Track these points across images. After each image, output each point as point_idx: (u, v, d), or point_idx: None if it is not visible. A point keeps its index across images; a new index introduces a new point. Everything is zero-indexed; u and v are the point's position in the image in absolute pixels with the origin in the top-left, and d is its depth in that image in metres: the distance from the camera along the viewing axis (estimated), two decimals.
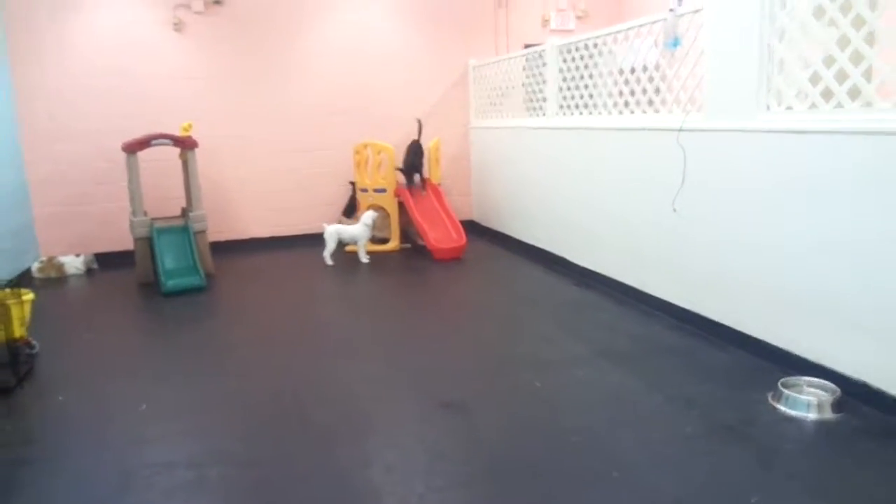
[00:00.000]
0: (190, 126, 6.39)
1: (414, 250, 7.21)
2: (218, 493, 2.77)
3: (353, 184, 7.71)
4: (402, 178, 7.42)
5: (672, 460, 2.90)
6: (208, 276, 6.22)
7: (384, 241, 7.50)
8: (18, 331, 4.15)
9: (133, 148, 6.06)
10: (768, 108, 3.83)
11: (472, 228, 8.04)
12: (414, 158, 7.43)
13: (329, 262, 6.69)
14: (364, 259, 6.73)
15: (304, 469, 2.91)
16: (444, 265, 6.64)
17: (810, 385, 3.42)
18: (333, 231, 6.75)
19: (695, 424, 3.19)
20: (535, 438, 3.15)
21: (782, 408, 3.29)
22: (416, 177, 7.47)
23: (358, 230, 6.75)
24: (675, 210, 4.56)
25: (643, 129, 4.90)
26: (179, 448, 3.13)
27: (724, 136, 4.11)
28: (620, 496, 2.65)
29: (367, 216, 6.75)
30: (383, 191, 7.28)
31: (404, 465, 2.92)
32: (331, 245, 6.71)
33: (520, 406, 3.51)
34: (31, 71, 6.66)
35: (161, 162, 6.90)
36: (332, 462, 2.95)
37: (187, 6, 7.09)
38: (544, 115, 6.50)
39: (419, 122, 7.60)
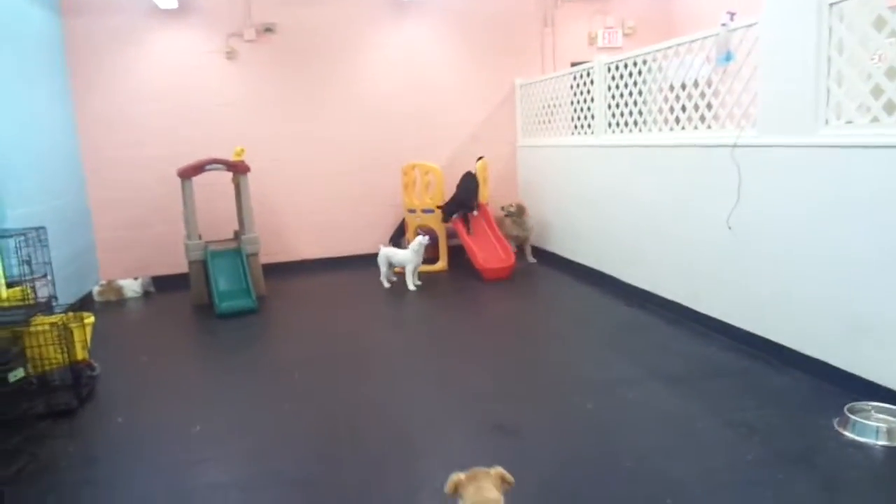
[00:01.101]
0: (242, 151, 6.55)
1: (460, 270, 7.21)
2: None
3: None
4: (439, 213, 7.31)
5: (731, 489, 2.82)
6: (260, 297, 6.34)
7: (433, 260, 7.54)
8: (80, 353, 4.29)
9: (188, 173, 6.24)
10: (827, 122, 3.74)
11: (522, 248, 8.00)
12: (467, 194, 7.32)
13: (386, 284, 6.72)
14: (411, 287, 6.58)
15: (357, 492, 2.92)
16: (493, 285, 6.62)
17: (879, 410, 3.29)
18: (384, 255, 6.77)
19: (756, 451, 3.10)
20: (587, 463, 3.11)
21: (849, 434, 3.17)
22: (465, 213, 7.33)
23: (407, 255, 6.69)
24: (730, 228, 4.47)
25: (696, 145, 4.82)
26: (232, 470, 3.19)
27: (780, 151, 4.02)
28: None
29: (417, 242, 6.66)
30: (431, 211, 7.32)
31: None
32: (383, 269, 6.74)
33: (571, 429, 3.46)
34: (91, 98, 6.95)
35: (215, 186, 7.08)
36: (384, 485, 2.95)
37: (240, 35, 7.31)
38: (593, 133, 6.46)
39: (481, 159, 7.56)
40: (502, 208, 7.61)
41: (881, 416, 3.25)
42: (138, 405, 4.05)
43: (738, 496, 2.75)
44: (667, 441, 3.26)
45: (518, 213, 7.53)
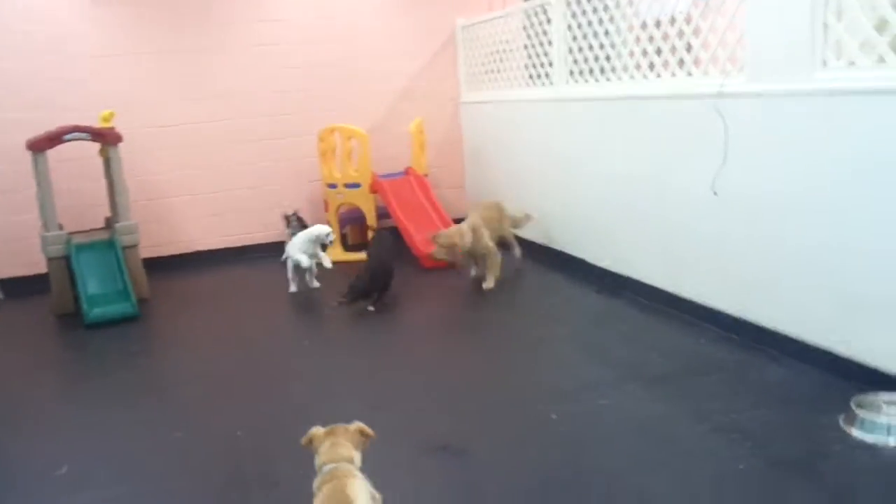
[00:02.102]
0: (111, 115, 6.37)
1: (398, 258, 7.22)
2: None
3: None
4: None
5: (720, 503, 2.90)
6: (142, 301, 6.22)
7: (362, 247, 7.50)
8: None
9: (41, 145, 6.04)
10: (825, 63, 3.84)
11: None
12: (379, 273, 5.90)
13: (293, 288, 6.38)
14: (298, 286, 6.32)
15: None
16: (433, 274, 6.64)
17: (890, 403, 3.42)
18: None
19: (749, 459, 3.19)
20: (549, 486, 3.15)
21: (857, 433, 3.29)
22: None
23: (295, 248, 6.25)
24: (715, 194, 4.57)
25: (673, 96, 4.91)
26: None
27: (772, 100, 4.13)
28: None
29: (312, 233, 6.26)
30: (357, 186, 7.29)
31: None
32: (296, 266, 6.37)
33: (530, 445, 3.51)
34: None
35: (78, 162, 6.89)
36: None
37: None
38: (551, 83, 6.51)
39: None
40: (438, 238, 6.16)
41: (892, 409, 3.37)
42: None
43: None
44: (645, 454, 3.33)
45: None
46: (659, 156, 5.11)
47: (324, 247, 6.29)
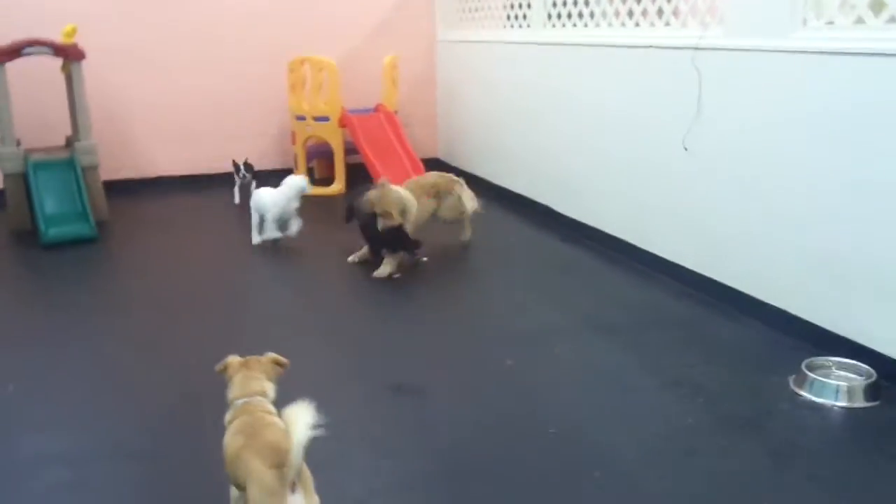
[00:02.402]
0: (74, 30, 6.16)
1: None
2: (106, 495, 2.73)
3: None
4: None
5: (668, 458, 2.93)
6: (100, 223, 6.09)
7: (328, 181, 7.42)
8: None
9: None
10: (805, 22, 3.80)
11: (437, 169, 7.94)
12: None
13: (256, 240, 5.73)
14: (255, 239, 5.70)
15: (211, 464, 2.87)
16: None
17: (840, 367, 3.47)
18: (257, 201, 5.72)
19: (698, 414, 3.22)
20: (503, 430, 3.16)
21: (806, 394, 3.34)
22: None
23: (267, 201, 5.62)
24: (686, 149, 4.55)
25: (650, 46, 4.84)
26: (56, 439, 3.09)
27: (749, 56, 4.08)
28: (602, 500, 2.67)
29: (291, 185, 5.64)
30: (326, 119, 7.16)
31: (340, 462, 2.90)
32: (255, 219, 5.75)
33: (486, 389, 3.51)
34: None
35: (38, 77, 6.66)
36: None
37: None
38: (529, 26, 6.40)
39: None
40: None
41: (842, 373, 3.43)
42: None
43: (675, 466, 2.87)
44: (598, 403, 3.36)
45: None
46: (632, 107, 5.06)
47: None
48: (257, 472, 2.08)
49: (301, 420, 2.04)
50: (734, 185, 4.25)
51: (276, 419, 2.35)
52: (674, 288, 4.65)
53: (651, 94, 4.87)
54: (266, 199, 5.58)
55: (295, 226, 5.63)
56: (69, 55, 6.10)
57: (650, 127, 4.89)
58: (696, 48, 4.37)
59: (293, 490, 2.06)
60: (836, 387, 3.30)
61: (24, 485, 2.79)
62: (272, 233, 5.62)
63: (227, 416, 2.44)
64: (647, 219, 5.02)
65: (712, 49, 4.31)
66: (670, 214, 4.79)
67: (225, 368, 2.58)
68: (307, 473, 2.18)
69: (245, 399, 2.44)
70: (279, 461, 2.06)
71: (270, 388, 2.54)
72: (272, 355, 2.65)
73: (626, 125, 5.14)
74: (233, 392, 2.50)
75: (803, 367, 3.43)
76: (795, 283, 3.90)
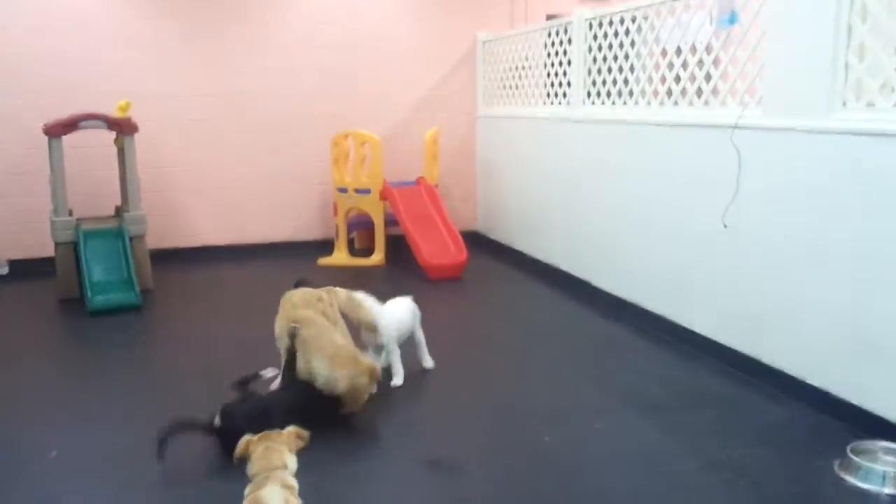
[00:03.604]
0: (128, 105, 6.40)
1: (404, 267, 7.19)
2: None
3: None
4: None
5: None
6: (145, 291, 6.22)
7: (368, 252, 7.51)
8: None
9: (57, 131, 6.07)
10: (845, 104, 3.83)
11: (476, 242, 8.04)
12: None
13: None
14: (398, 380, 4.42)
15: None
16: (440, 286, 6.63)
17: (887, 452, 3.38)
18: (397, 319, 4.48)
19: (742, 497, 3.16)
20: None
21: (852, 479, 3.25)
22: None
23: (392, 323, 4.42)
24: (725, 226, 4.55)
25: (689, 124, 4.89)
26: None
27: (788, 136, 4.10)
28: None
29: (407, 303, 4.61)
30: (367, 192, 7.28)
31: None
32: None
33: (522, 466, 3.48)
34: None
35: (92, 149, 6.91)
36: None
37: None
38: (568, 103, 6.50)
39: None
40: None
41: (889, 458, 3.34)
42: None
43: None
44: (637, 483, 3.31)
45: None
46: (671, 184, 5.09)
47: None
48: None
49: None
50: (774, 262, 4.23)
51: (279, 490, 2.38)
52: (715, 367, 4.60)
53: (691, 171, 4.90)
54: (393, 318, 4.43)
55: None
56: (123, 129, 6.32)
57: (690, 204, 4.91)
58: (736, 127, 4.41)
59: None
60: (882, 472, 3.22)
61: None
62: (424, 360, 4.67)
63: (247, 490, 2.46)
64: (689, 296, 4.99)
65: (751, 128, 4.34)
66: (711, 292, 4.76)
67: (246, 448, 2.58)
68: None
69: (264, 475, 2.45)
70: None
71: (292, 461, 2.55)
72: (294, 428, 2.69)
73: (666, 201, 5.16)
74: (253, 467, 2.51)
75: (848, 451, 3.35)
76: (838, 363, 3.84)
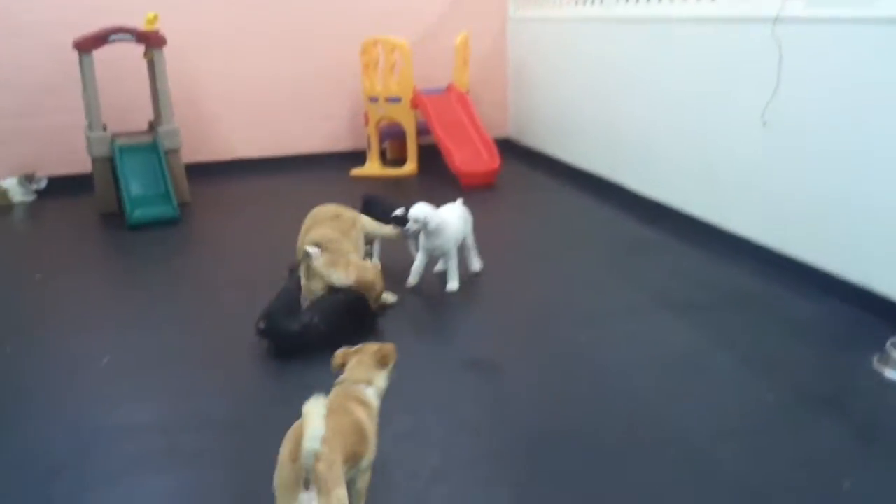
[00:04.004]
0: (156, 17, 6.35)
1: (437, 176, 7.16)
2: (193, 463, 2.86)
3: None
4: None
5: (745, 434, 2.93)
6: (183, 205, 6.30)
7: (401, 162, 7.50)
8: None
9: (87, 45, 6.06)
10: None
11: (508, 148, 7.98)
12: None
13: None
14: (454, 285, 4.46)
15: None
16: (473, 193, 6.59)
17: None
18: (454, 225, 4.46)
19: (777, 392, 3.20)
20: (576, 405, 3.20)
21: (890, 374, 3.28)
22: None
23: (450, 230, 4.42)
24: (764, 124, 4.47)
25: (728, 19, 4.76)
26: (148, 409, 3.23)
27: (832, 27, 3.99)
28: (678, 477, 2.69)
29: (459, 209, 4.60)
30: (398, 100, 7.22)
31: (418, 433, 2.99)
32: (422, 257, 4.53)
33: (559, 366, 3.55)
34: None
35: (122, 63, 6.89)
36: None
37: None
38: (602, 2, 6.34)
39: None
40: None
41: None
42: (31, 332, 4.07)
43: (752, 444, 2.86)
44: (673, 380, 3.36)
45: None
46: (709, 82, 5.00)
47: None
48: (279, 460, 2.06)
49: (310, 419, 1.94)
50: (815, 159, 4.17)
51: (354, 410, 2.31)
52: (752, 266, 4.58)
53: (728, 68, 4.80)
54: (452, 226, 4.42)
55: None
56: (151, 42, 6.28)
57: (727, 102, 4.82)
58: (777, 20, 4.29)
59: (307, 487, 1.97)
60: None
61: (120, 449, 2.94)
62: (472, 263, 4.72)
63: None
64: (725, 196, 4.95)
65: (793, 20, 4.22)
66: (746, 190, 4.72)
67: (343, 357, 2.53)
68: (330, 474, 2.02)
69: (346, 384, 2.41)
70: (297, 455, 1.97)
71: (379, 377, 2.48)
72: (385, 347, 2.56)
73: (703, 100, 5.07)
74: (343, 375, 2.47)
75: (888, 345, 3.36)
76: (880, 260, 3.82)
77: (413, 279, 4.48)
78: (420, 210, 4.26)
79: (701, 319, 3.94)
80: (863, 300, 3.89)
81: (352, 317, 3.84)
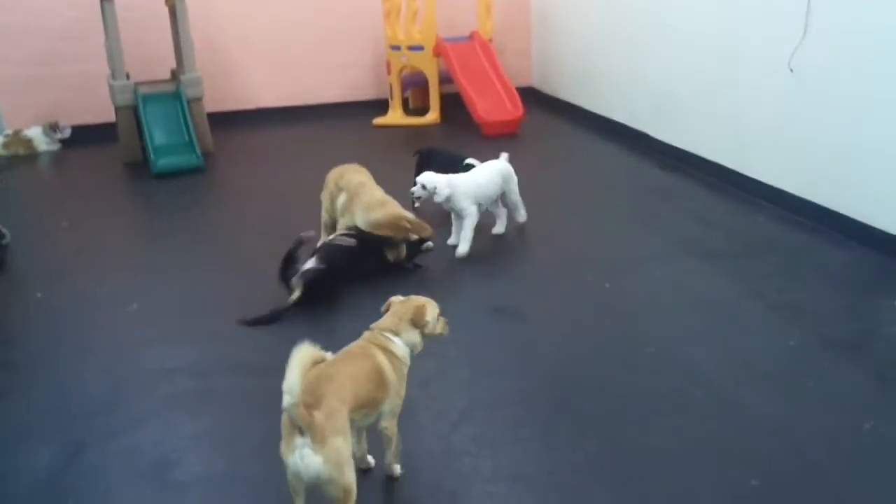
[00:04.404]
0: None
1: (460, 125, 7.13)
2: (226, 404, 2.93)
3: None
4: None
5: (769, 378, 2.95)
6: (206, 154, 6.31)
7: (423, 111, 7.47)
8: None
9: None
10: None
11: (531, 97, 7.92)
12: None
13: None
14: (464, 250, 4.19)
15: None
16: (496, 142, 6.57)
17: None
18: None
19: (801, 336, 3.21)
20: (601, 349, 3.23)
21: None
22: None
23: (469, 189, 4.24)
24: (791, 70, 4.41)
25: None
26: (178, 354, 3.30)
27: None
28: (703, 420, 2.72)
29: (502, 166, 4.47)
30: (420, 48, 7.16)
31: (444, 377, 3.03)
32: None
33: (584, 312, 3.57)
34: None
35: (144, 11, 6.88)
36: None
37: None
38: None
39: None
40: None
41: None
42: (60, 279, 4.13)
43: (776, 387, 2.88)
44: (698, 326, 3.37)
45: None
46: (734, 28, 4.92)
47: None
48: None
49: (288, 372, 1.98)
50: (843, 105, 4.12)
51: (375, 355, 2.31)
52: (777, 214, 4.57)
53: (754, 13, 4.72)
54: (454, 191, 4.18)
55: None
56: None
57: (753, 48, 4.75)
58: None
59: (302, 433, 2.01)
60: None
61: (156, 391, 3.02)
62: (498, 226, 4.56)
63: None
64: (750, 144, 4.91)
65: None
66: (774, 138, 4.68)
67: (388, 306, 2.51)
68: (329, 423, 2.04)
69: (375, 331, 2.40)
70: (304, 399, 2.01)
71: (407, 331, 2.41)
72: (423, 303, 2.48)
73: (728, 47, 5.00)
74: (376, 322, 2.46)
75: None
76: None
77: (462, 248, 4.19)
78: (427, 178, 4.14)
79: (727, 266, 3.94)
80: (887, 245, 3.88)
81: (356, 262, 3.87)
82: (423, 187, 4.13)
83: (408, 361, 2.43)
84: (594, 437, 2.64)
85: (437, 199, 4.11)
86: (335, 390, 2.13)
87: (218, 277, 4.09)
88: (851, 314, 3.38)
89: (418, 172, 4.41)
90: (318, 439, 2.01)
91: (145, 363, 3.23)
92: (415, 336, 2.43)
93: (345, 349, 2.37)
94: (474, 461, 2.52)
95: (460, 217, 4.23)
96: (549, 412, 2.81)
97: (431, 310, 2.48)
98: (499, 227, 4.50)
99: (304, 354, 2.05)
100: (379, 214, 4.00)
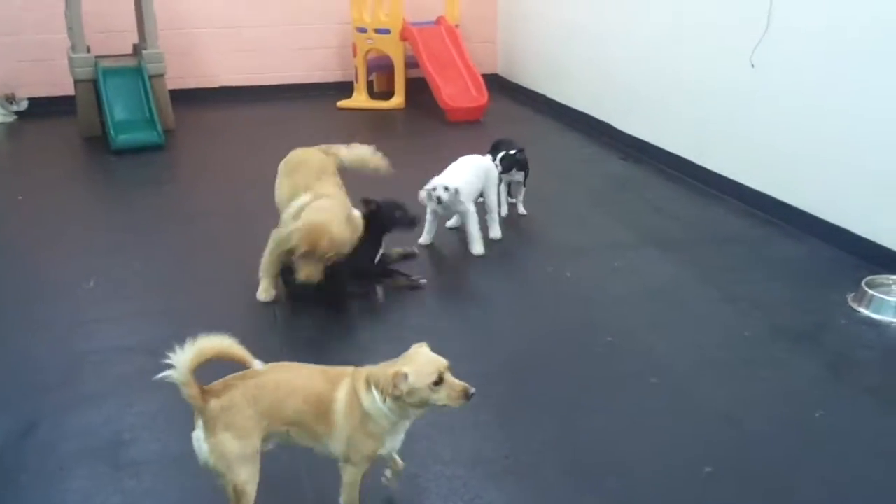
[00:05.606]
0: None
1: (424, 110, 7.10)
2: None
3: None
4: None
5: (723, 367, 2.99)
6: (167, 131, 6.21)
7: (388, 95, 7.42)
8: None
9: None
10: None
11: (497, 85, 7.91)
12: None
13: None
14: (479, 250, 4.03)
15: (286, 359, 3.01)
16: (460, 128, 6.59)
17: None
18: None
19: (755, 327, 3.26)
20: (561, 336, 3.25)
21: (864, 311, 3.34)
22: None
23: (469, 187, 4.04)
24: (752, 66, 4.46)
25: None
26: (135, 331, 3.25)
27: None
28: (658, 406, 2.75)
29: (483, 162, 4.29)
30: (387, 32, 7.10)
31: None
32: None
33: (545, 299, 3.59)
34: None
35: None
36: (324, 358, 3.05)
37: None
38: None
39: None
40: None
41: None
42: (15, 255, 4.05)
43: (730, 376, 2.93)
44: (654, 315, 3.41)
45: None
46: (696, 22, 4.96)
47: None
48: None
49: (195, 345, 2.02)
50: (801, 102, 4.17)
51: (332, 388, 2.10)
52: (734, 206, 4.63)
53: (718, 8, 4.75)
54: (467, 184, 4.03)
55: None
56: None
57: (716, 42, 4.79)
58: None
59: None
60: (895, 304, 3.30)
61: (112, 369, 2.97)
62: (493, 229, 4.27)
63: None
64: (710, 137, 4.96)
65: None
66: (732, 132, 4.73)
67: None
68: (221, 416, 2.02)
69: (362, 371, 2.13)
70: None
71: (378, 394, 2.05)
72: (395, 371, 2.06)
73: (691, 41, 5.03)
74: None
75: (863, 284, 3.42)
76: (859, 202, 3.85)
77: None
78: (447, 180, 3.85)
79: (684, 256, 3.98)
80: (840, 240, 3.95)
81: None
82: (446, 189, 3.82)
83: (381, 422, 2.05)
84: (551, 422, 2.66)
85: (445, 199, 3.82)
86: (249, 388, 2.06)
87: (177, 256, 4.04)
88: (805, 307, 3.43)
89: (494, 156, 4.25)
90: (209, 428, 2.02)
91: (102, 341, 3.18)
92: (387, 400, 2.01)
93: (321, 366, 2.25)
94: (433, 445, 2.52)
95: (463, 218, 4.04)
96: (507, 397, 2.82)
97: (419, 378, 2.01)
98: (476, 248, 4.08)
99: (214, 343, 2.04)
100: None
